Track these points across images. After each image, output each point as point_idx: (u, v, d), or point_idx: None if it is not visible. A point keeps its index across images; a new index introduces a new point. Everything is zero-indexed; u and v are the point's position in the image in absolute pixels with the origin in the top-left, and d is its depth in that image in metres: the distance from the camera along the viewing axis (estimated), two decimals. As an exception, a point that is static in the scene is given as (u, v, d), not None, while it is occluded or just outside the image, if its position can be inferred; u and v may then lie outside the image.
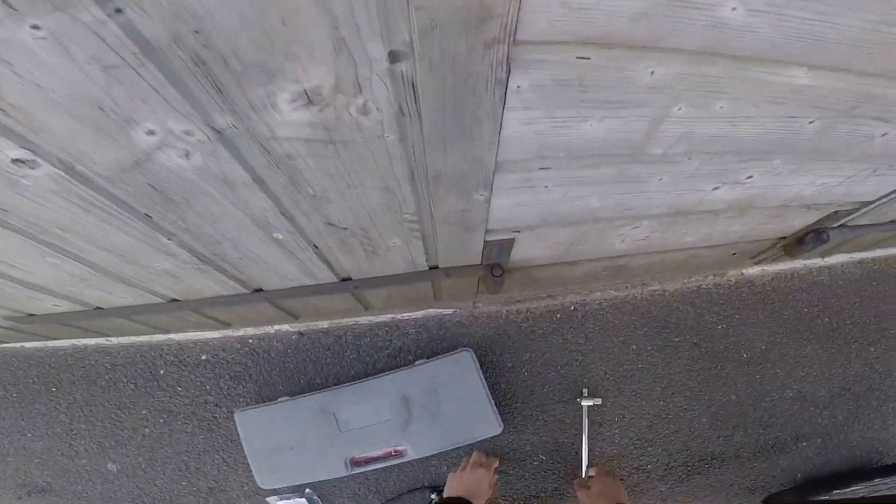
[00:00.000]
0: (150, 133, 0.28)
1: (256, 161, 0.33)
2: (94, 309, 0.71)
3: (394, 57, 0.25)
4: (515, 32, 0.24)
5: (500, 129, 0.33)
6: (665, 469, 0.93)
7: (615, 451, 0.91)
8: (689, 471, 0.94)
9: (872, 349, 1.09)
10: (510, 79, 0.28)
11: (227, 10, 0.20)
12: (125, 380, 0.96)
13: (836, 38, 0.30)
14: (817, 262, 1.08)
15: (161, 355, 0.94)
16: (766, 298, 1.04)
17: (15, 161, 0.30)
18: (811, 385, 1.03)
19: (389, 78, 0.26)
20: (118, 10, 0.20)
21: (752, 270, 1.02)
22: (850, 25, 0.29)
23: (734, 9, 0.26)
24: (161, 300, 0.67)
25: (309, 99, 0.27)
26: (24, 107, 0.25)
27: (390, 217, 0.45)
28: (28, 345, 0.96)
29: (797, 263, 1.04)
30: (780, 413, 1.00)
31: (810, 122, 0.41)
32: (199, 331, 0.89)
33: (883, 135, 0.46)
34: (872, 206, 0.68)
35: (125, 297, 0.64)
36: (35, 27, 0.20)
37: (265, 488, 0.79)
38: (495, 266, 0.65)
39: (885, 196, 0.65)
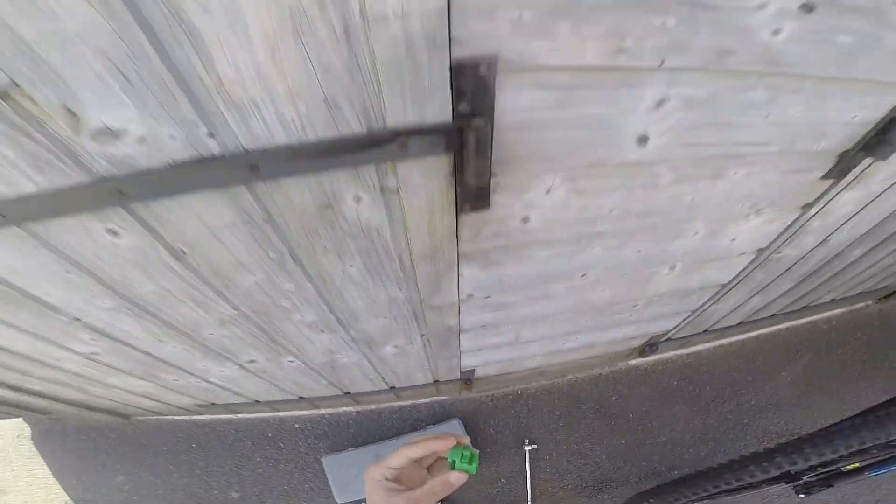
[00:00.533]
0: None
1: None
2: (254, 402, 1.32)
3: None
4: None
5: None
6: (581, 488, 1.50)
7: (548, 476, 1.48)
8: (597, 490, 1.51)
9: (726, 405, 1.66)
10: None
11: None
12: (245, 439, 1.55)
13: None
14: (683, 351, 1.66)
15: (268, 425, 1.53)
16: (647, 377, 1.62)
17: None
18: (679, 433, 1.59)
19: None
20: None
21: (636, 360, 1.62)
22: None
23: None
24: (294, 397, 1.28)
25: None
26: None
27: (417, 364, 1.07)
28: (188, 417, 1.56)
29: (669, 353, 1.63)
30: (657, 452, 1.56)
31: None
32: (295, 410, 1.49)
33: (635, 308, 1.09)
34: (671, 332, 1.30)
35: (275, 395, 1.24)
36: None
37: (340, 502, 1.36)
38: (467, 379, 1.27)
39: (675, 327, 1.26)
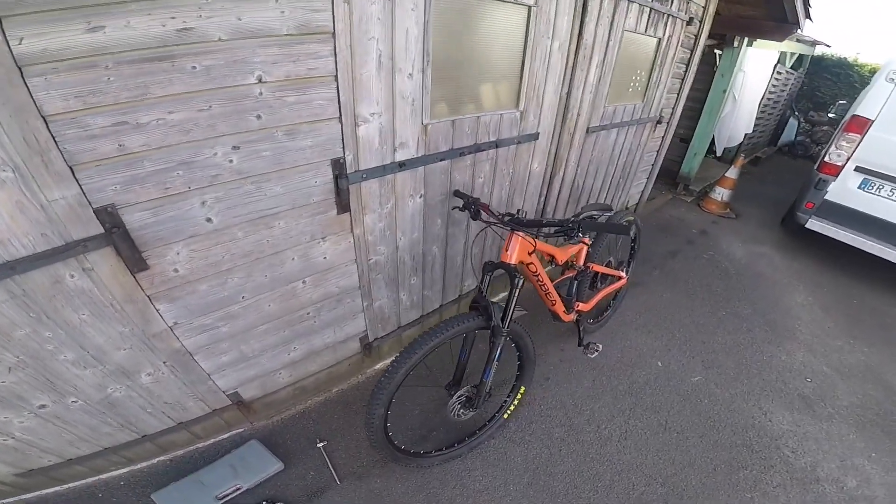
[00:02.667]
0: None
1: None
2: (68, 461, 1.61)
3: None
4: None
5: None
6: (371, 464, 2.00)
7: (343, 461, 1.96)
8: (382, 460, 2.03)
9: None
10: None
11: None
12: None
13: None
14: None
15: (96, 489, 1.74)
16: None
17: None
18: (425, 403, 2.25)
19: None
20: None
21: (381, 364, 2.31)
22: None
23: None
24: (100, 448, 1.63)
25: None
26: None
27: (180, 391, 1.59)
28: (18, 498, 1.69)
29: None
30: (415, 421, 2.18)
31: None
32: (113, 470, 1.77)
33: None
34: (378, 332, 2.03)
35: (82, 448, 1.58)
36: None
37: None
38: (240, 402, 1.79)
39: (367, 328, 2.00)
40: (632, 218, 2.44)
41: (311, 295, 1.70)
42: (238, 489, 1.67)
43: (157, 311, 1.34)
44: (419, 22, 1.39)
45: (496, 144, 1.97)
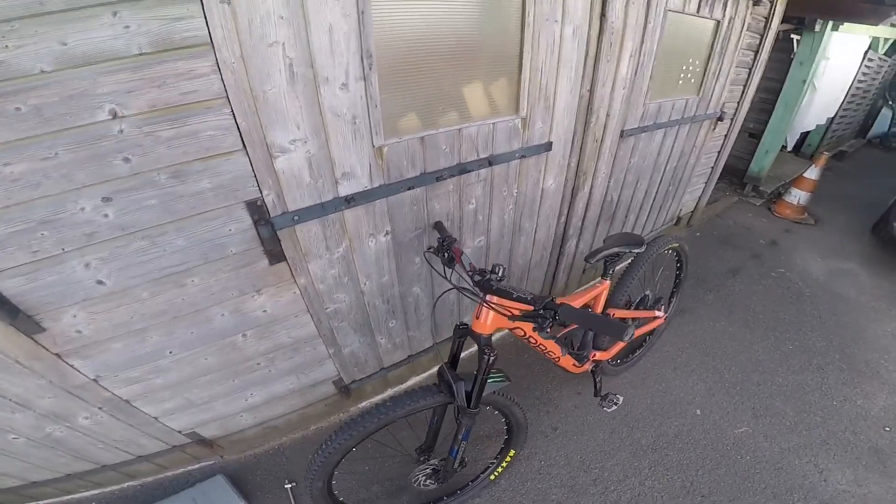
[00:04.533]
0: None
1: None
2: (32, 484, 1.59)
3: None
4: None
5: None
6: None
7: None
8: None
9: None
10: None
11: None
12: None
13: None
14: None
15: None
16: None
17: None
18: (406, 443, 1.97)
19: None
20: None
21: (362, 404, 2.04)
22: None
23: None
24: (61, 475, 1.57)
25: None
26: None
27: (129, 433, 1.46)
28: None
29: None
30: (393, 466, 1.92)
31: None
32: (84, 490, 1.75)
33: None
34: (355, 376, 1.76)
35: (45, 475, 1.54)
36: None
37: None
38: (202, 440, 1.64)
39: (339, 373, 1.73)
40: (675, 245, 1.90)
41: (258, 347, 1.45)
42: None
43: (72, 366, 1.17)
44: (349, 13, 0.99)
45: (489, 162, 1.52)
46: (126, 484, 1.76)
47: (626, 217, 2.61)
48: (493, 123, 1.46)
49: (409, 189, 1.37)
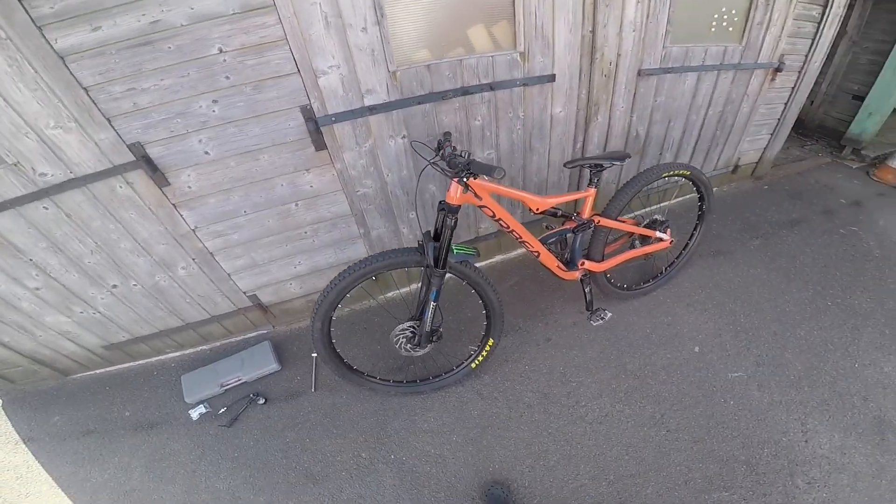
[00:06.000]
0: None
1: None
2: (136, 339, 2.64)
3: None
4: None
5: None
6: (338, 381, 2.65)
7: (326, 374, 2.65)
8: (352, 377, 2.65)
9: (461, 314, 2.80)
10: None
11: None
12: (141, 378, 2.80)
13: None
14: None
15: (154, 367, 2.77)
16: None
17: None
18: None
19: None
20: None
21: (389, 294, 2.84)
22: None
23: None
24: (156, 331, 2.59)
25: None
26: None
27: (209, 286, 2.41)
28: (103, 370, 2.86)
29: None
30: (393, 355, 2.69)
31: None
32: (167, 353, 2.78)
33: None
34: None
35: (144, 329, 2.56)
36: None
37: (189, 401, 2.53)
38: (260, 304, 2.57)
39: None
40: (685, 172, 2.32)
41: (305, 217, 2.31)
42: (238, 380, 2.47)
43: (181, 216, 2.10)
44: None
45: (491, 87, 2.18)
46: (199, 347, 2.76)
47: (662, 154, 3.08)
48: (492, 56, 2.12)
49: (419, 104, 2.10)
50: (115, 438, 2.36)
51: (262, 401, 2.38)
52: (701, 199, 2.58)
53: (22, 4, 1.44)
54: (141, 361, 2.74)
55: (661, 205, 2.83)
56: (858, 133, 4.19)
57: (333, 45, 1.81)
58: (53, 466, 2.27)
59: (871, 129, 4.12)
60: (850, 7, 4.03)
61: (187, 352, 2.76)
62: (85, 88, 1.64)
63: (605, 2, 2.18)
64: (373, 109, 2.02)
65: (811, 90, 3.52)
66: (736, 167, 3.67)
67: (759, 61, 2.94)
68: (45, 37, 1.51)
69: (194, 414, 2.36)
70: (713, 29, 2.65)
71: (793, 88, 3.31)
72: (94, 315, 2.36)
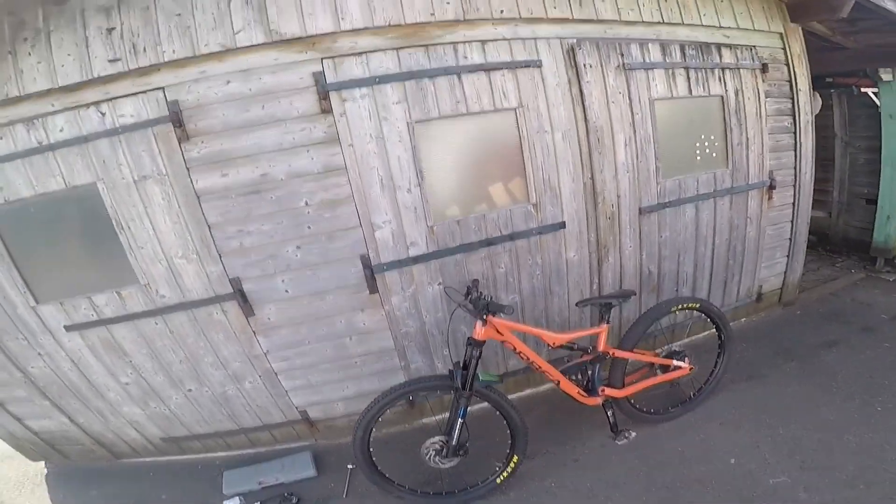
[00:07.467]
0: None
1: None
2: (193, 436, 3.05)
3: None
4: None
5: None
6: (371, 491, 2.87)
7: (362, 483, 2.89)
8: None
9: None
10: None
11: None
12: (185, 472, 3.13)
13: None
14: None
15: (198, 461, 3.11)
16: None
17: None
18: None
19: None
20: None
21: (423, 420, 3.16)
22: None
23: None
24: (212, 431, 3.01)
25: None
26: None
27: (267, 399, 2.86)
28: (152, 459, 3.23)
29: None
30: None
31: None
32: (215, 452, 3.14)
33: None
34: None
35: (201, 429, 2.98)
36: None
37: (226, 493, 2.79)
38: (307, 419, 2.98)
39: None
40: (694, 305, 2.69)
41: (357, 349, 2.80)
42: (276, 480, 2.79)
43: (258, 341, 2.65)
44: (407, 149, 2.43)
45: (511, 237, 2.75)
46: (245, 450, 3.12)
47: (678, 290, 3.40)
48: (510, 209, 2.73)
49: (451, 254, 2.69)
50: (146, 518, 2.59)
51: (295, 500, 2.65)
52: (717, 329, 2.83)
53: (181, 146, 2.16)
54: (190, 456, 3.09)
55: (692, 338, 3.11)
56: (883, 241, 4.11)
57: (386, 203, 2.48)
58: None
59: (894, 234, 4.05)
60: (829, 108, 4.19)
61: (233, 453, 3.10)
62: (209, 226, 2.33)
63: (598, 149, 2.77)
64: (415, 259, 2.62)
65: (822, 202, 3.56)
66: (759, 295, 3.76)
67: (750, 182, 3.26)
68: (190, 177, 2.23)
69: (228, 504, 2.65)
70: (699, 157, 3.05)
71: (793, 204, 3.54)
72: (164, 411, 2.83)
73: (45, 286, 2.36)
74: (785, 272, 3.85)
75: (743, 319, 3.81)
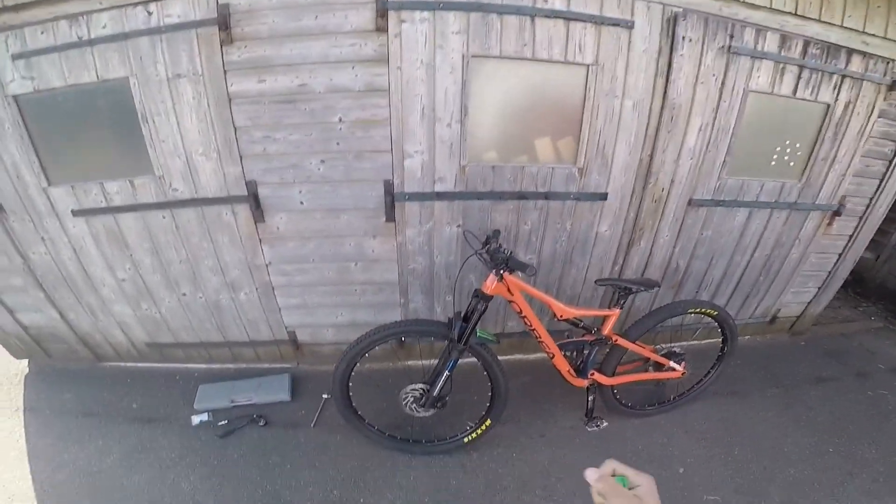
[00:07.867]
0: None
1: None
2: (176, 344, 3.03)
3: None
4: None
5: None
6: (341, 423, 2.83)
7: (331, 413, 2.86)
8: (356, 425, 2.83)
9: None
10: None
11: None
12: (162, 380, 3.14)
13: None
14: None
15: (177, 372, 3.10)
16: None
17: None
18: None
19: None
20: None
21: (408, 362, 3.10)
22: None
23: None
24: (197, 341, 2.98)
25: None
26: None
27: (258, 314, 2.80)
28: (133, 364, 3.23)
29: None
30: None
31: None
32: (195, 363, 3.11)
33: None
34: None
35: (186, 337, 2.95)
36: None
37: (196, 407, 2.77)
38: (294, 341, 2.93)
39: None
40: (713, 312, 2.54)
41: (360, 276, 2.71)
42: (248, 400, 2.77)
43: (262, 250, 2.57)
44: (456, 82, 2.23)
45: (546, 196, 2.59)
46: (226, 365, 3.09)
47: (699, 292, 3.26)
48: (552, 168, 2.54)
49: (478, 199, 2.53)
50: (110, 424, 2.63)
51: (262, 423, 2.65)
52: (724, 341, 2.73)
53: (222, 49, 2.05)
54: (171, 364, 3.09)
55: (693, 343, 3.01)
56: (917, 296, 3.94)
57: (423, 132, 2.32)
58: (35, 438, 2.53)
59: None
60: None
61: (214, 366, 3.10)
62: (236, 128, 2.22)
63: (668, 127, 2.52)
64: (440, 196, 2.48)
65: (876, 243, 3.31)
66: (774, 318, 3.63)
67: (817, 202, 2.98)
68: (226, 80, 2.12)
69: (195, 419, 2.63)
70: (773, 163, 2.77)
71: (850, 237, 3.27)
72: (154, 314, 2.80)
73: (59, 170, 2.35)
74: (809, 302, 3.65)
75: (748, 336, 3.71)
